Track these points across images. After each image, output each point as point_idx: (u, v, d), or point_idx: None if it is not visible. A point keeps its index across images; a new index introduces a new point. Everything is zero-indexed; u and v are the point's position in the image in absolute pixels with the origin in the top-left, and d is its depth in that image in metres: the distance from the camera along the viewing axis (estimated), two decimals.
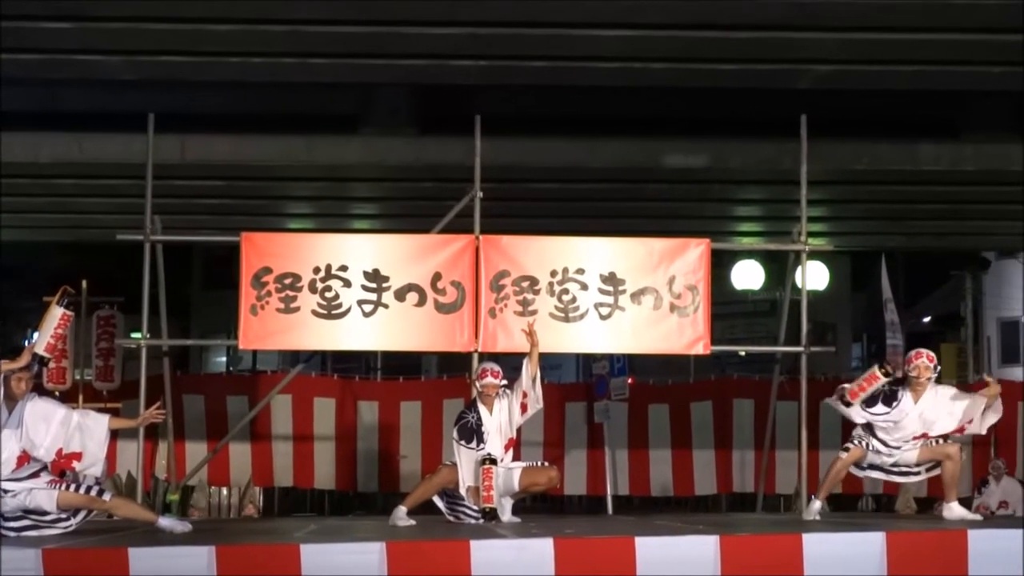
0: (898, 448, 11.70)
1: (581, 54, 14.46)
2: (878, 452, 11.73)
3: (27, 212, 19.21)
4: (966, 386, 23.07)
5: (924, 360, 11.59)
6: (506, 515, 11.60)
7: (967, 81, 15.23)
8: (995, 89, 15.76)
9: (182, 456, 18.90)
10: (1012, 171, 17.05)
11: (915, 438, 11.67)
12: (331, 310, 13.90)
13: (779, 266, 22.73)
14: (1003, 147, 16.87)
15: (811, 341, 14.99)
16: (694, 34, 13.81)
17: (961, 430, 11.75)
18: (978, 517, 11.91)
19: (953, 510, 11.63)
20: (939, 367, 11.76)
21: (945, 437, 11.73)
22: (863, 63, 14.70)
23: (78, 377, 20.42)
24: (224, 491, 21.53)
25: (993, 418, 11.68)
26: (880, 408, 11.61)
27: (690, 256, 14.18)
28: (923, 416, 11.60)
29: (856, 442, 11.78)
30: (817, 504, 11.82)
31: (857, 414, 11.73)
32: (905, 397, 11.60)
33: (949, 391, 11.80)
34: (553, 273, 14.01)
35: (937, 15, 13.26)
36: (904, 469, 11.92)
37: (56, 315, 11.89)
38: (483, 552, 8.31)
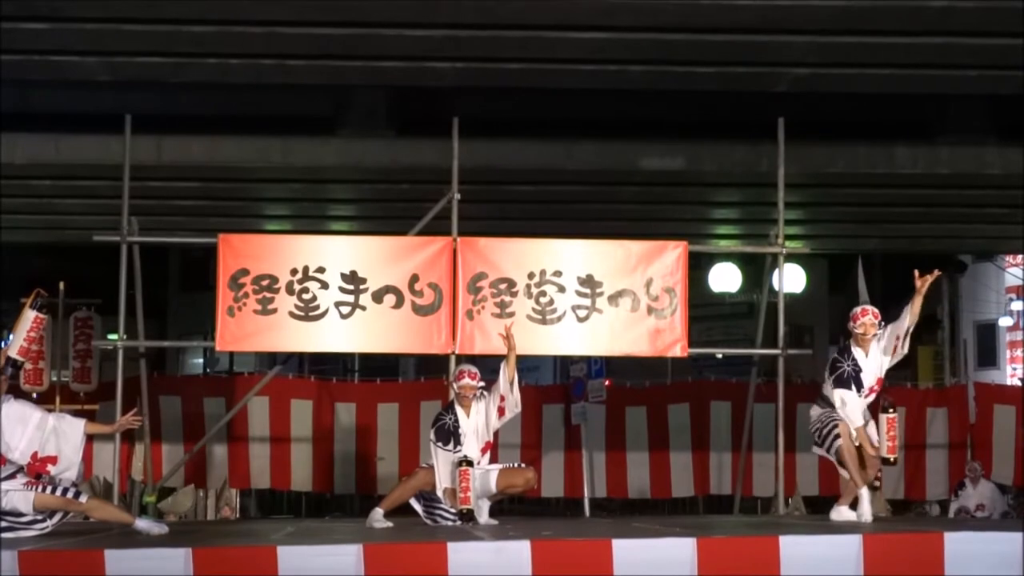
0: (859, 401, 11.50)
1: (558, 56, 14.47)
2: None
3: (3, 213, 19.14)
4: (942, 390, 23.29)
5: (870, 317, 11.47)
6: (483, 517, 11.59)
7: (943, 84, 15.29)
8: (971, 92, 15.83)
9: (159, 458, 18.89)
10: (987, 174, 17.12)
11: (871, 389, 11.51)
12: (308, 312, 13.88)
13: (756, 268, 22.78)
14: (979, 150, 16.93)
15: (788, 344, 15.01)
16: (671, 36, 13.82)
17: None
18: (853, 519, 11.33)
19: (842, 513, 11.46)
20: (883, 323, 11.58)
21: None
22: (840, 66, 14.74)
23: (55, 379, 20.37)
24: (201, 493, 21.49)
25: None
26: (854, 389, 11.37)
27: (667, 258, 14.19)
28: (878, 365, 11.51)
29: (837, 416, 11.38)
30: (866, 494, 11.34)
31: (852, 402, 11.38)
32: (859, 355, 11.47)
33: (884, 331, 11.52)
34: (530, 275, 14.00)
35: (914, 18, 13.30)
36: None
37: (29, 318, 11.84)
38: (460, 554, 8.31)
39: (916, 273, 11.42)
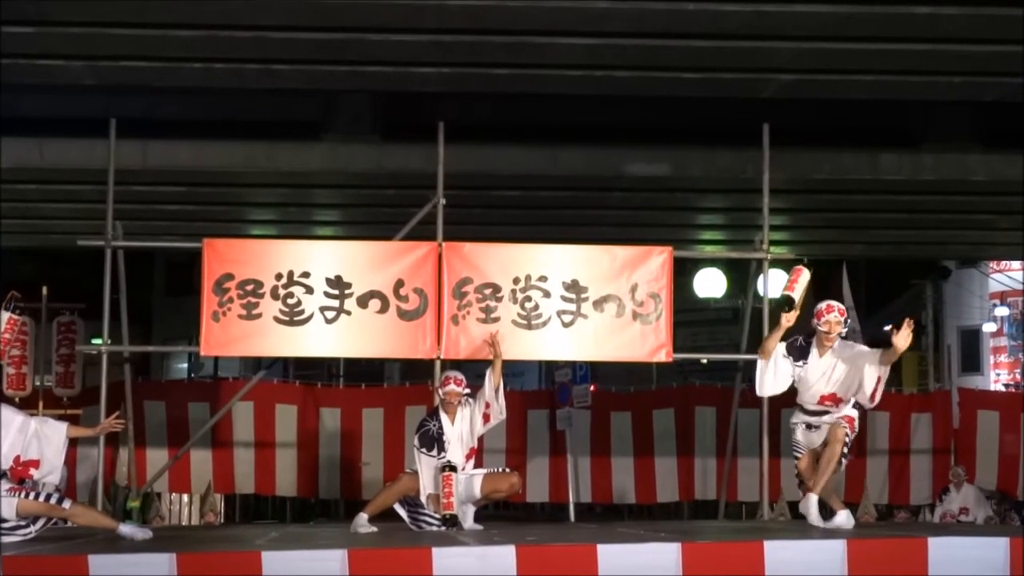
0: (817, 415, 10.94)
1: (544, 62, 14.49)
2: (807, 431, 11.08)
3: None
4: (927, 395, 23.32)
5: (835, 314, 10.98)
6: (468, 522, 11.57)
7: (928, 91, 15.32)
8: (956, 99, 15.87)
9: (143, 463, 18.83)
10: (972, 181, 17.16)
11: (823, 398, 10.91)
12: (293, 317, 13.86)
13: (741, 274, 22.78)
14: (963, 157, 16.97)
15: None
16: (657, 42, 13.85)
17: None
18: (816, 523, 10.83)
19: (809, 500, 10.83)
20: (849, 320, 11.24)
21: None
22: (825, 72, 14.78)
23: (38, 383, 20.33)
24: (185, 498, 21.45)
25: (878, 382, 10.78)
26: (800, 363, 11.00)
27: (653, 264, 14.19)
28: (827, 374, 10.92)
29: (798, 452, 11.14)
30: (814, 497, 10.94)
31: (782, 368, 11.07)
32: (812, 352, 11.00)
33: (854, 348, 11.09)
34: (516, 280, 14.00)
35: (899, 25, 13.33)
36: None
37: (3, 319, 11.85)
38: (445, 559, 8.30)
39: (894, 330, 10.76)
